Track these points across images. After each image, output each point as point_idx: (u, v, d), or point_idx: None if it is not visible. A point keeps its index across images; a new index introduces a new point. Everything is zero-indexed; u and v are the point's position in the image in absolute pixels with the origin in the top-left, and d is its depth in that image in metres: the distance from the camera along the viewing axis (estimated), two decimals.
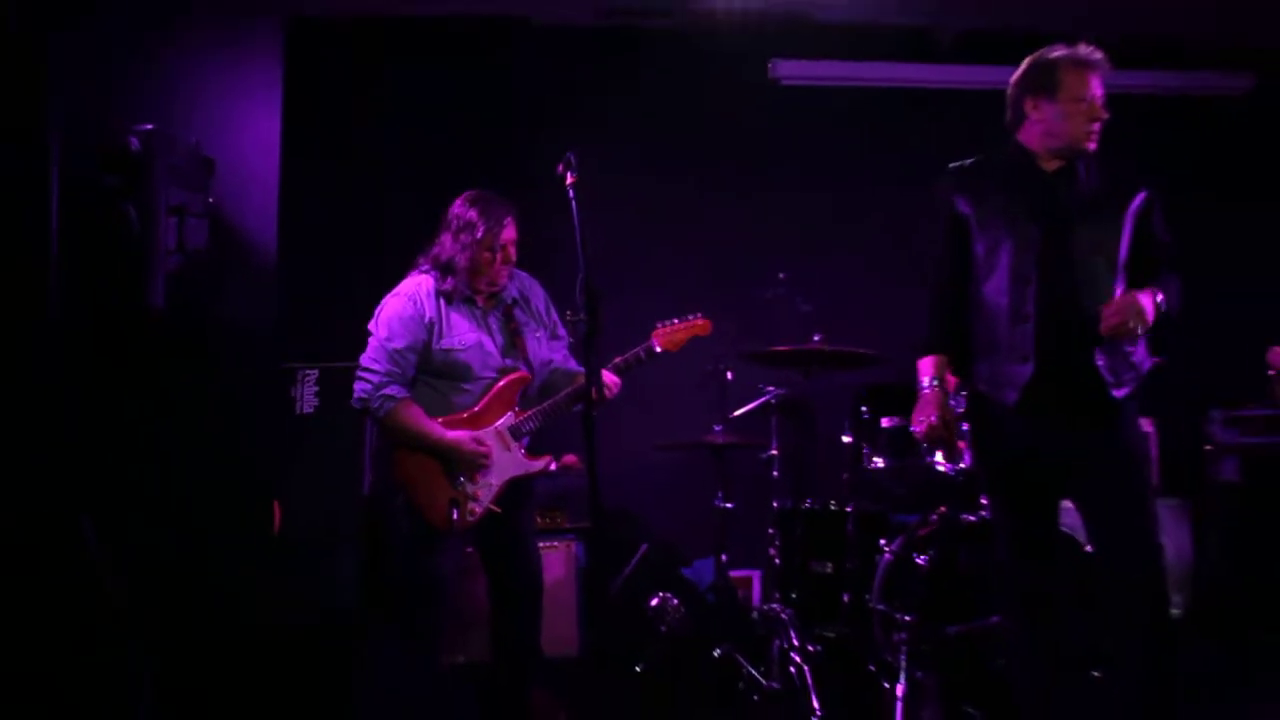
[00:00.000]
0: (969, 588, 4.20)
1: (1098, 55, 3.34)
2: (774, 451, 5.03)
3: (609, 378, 3.99)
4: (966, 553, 4.28)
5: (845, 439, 4.87)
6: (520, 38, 6.08)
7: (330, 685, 3.59)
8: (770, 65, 6.24)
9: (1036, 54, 3.42)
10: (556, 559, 4.92)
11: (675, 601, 4.86)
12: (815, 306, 4.99)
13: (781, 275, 5.02)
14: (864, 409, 4.78)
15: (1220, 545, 5.53)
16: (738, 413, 5.06)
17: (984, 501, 4.42)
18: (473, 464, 3.84)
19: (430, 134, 5.90)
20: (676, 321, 4.15)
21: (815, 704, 4.20)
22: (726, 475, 4.86)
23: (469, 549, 4.23)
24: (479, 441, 3.86)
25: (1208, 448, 5.59)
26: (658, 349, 4.11)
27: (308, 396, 4.76)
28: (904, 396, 4.62)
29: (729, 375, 4.98)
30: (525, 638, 4.09)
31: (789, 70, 6.25)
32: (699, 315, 4.18)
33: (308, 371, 4.76)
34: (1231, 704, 4.35)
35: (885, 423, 4.74)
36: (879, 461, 4.73)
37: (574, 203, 3.34)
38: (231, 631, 3.58)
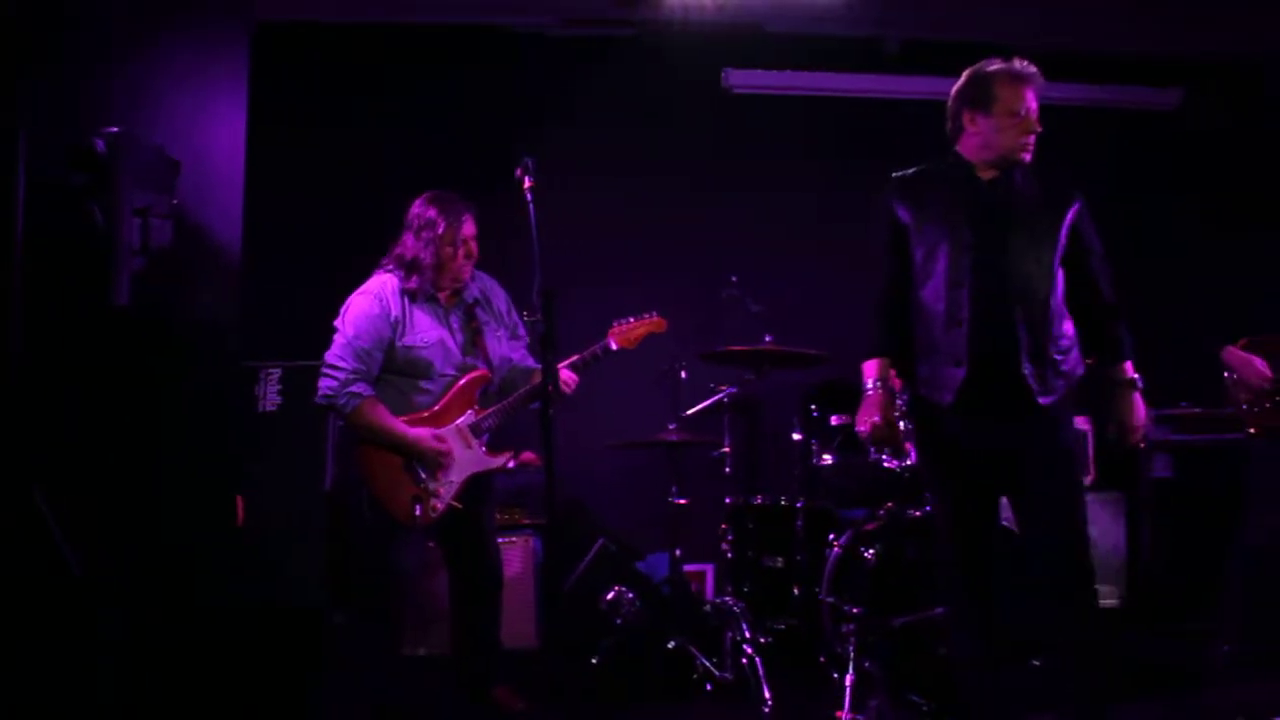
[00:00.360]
0: (915, 580, 4.27)
1: (1032, 70, 3.42)
2: (726, 449, 5.11)
3: (567, 375, 4.08)
4: (912, 547, 4.35)
5: (795, 436, 4.92)
6: (489, 45, 6.13)
7: (293, 676, 3.62)
8: (723, 74, 6.33)
9: (974, 68, 3.49)
10: (515, 554, 4.98)
11: (630, 595, 4.89)
12: (766, 307, 5.06)
13: (734, 278, 5.08)
14: (813, 407, 4.85)
15: (1154, 538, 5.67)
16: (691, 411, 5.12)
17: (928, 497, 4.54)
18: (435, 462, 3.91)
19: (394, 137, 5.94)
20: (632, 320, 4.25)
21: (766, 694, 4.28)
22: (680, 472, 4.91)
23: (430, 544, 4.30)
24: (440, 440, 3.93)
25: (1142, 445, 5.71)
26: (614, 347, 4.20)
27: (271, 395, 4.80)
28: (852, 395, 4.68)
29: (683, 374, 5.03)
30: (486, 631, 4.17)
31: (740, 79, 6.34)
32: (654, 313, 4.28)
33: (271, 370, 4.80)
34: (1164, 691, 4.43)
35: (834, 420, 4.82)
36: (828, 458, 4.80)
37: (531, 206, 3.42)
38: (194, 622, 3.60)
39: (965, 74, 3.52)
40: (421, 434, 3.91)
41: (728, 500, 5.07)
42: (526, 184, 3.46)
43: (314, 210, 5.74)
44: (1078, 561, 3.32)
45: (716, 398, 5.16)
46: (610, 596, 4.93)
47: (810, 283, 6.18)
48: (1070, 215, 3.45)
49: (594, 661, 4.72)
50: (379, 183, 5.49)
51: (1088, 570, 3.33)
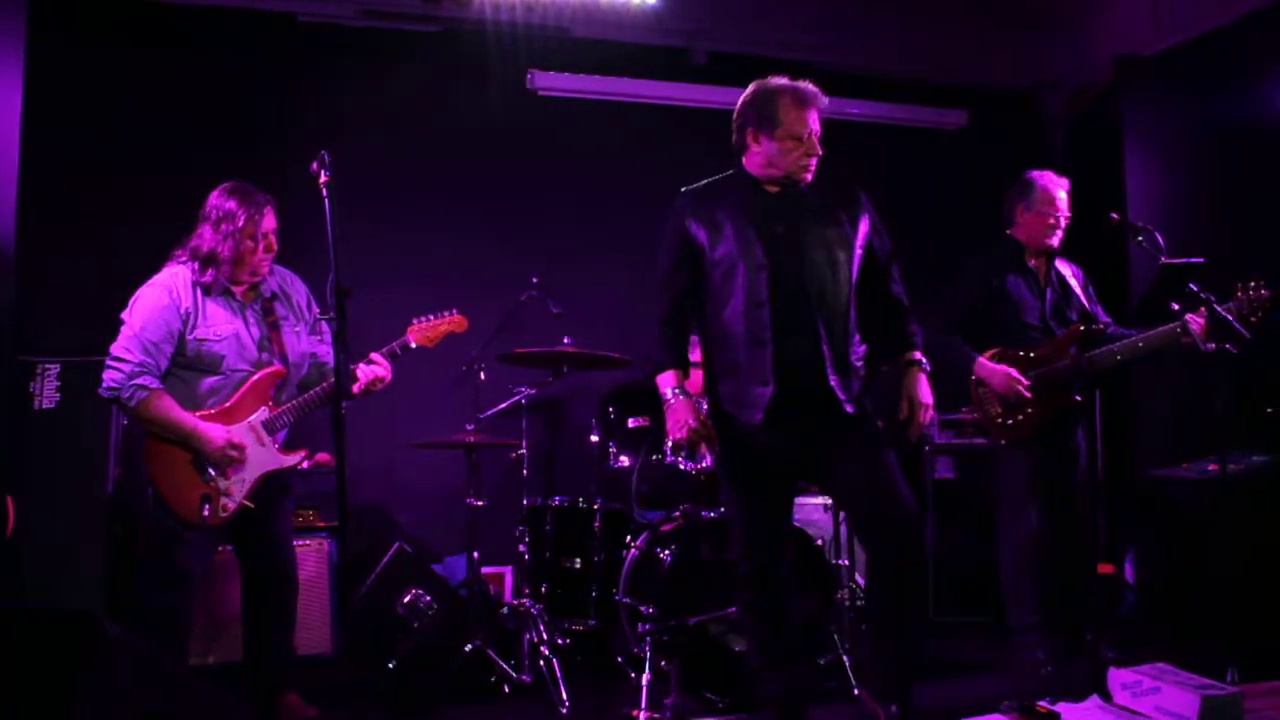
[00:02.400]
0: (710, 580, 4.35)
1: (814, 91, 3.48)
2: (524, 450, 5.12)
3: (382, 364, 4.04)
4: (707, 547, 4.44)
5: (593, 438, 4.97)
6: (282, 33, 5.94)
7: (58, 685, 3.45)
8: (528, 75, 6.33)
9: (758, 85, 3.54)
10: (309, 557, 4.87)
11: (427, 598, 4.85)
12: (566, 310, 5.06)
13: (534, 279, 5.08)
14: (611, 409, 4.89)
15: (937, 536, 5.94)
16: (489, 413, 5.11)
17: (725, 500, 4.63)
18: (223, 461, 3.80)
19: (182, 124, 5.70)
20: (432, 317, 4.21)
21: (564, 695, 4.30)
22: (478, 473, 4.86)
23: (222, 546, 4.16)
24: (231, 439, 3.81)
25: (926, 448, 6.01)
26: (413, 344, 4.16)
27: (48, 391, 4.57)
28: (649, 398, 4.79)
29: (482, 375, 5.03)
30: (278, 635, 4.07)
31: (546, 81, 6.34)
32: (454, 311, 4.26)
33: (49, 365, 4.57)
34: (941, 681, 4.62)
35: (631, 423, 4.88)
36: (625, 460, 4.85)
37: (327, 201, 3.34)
38: None
39: (750, 90, 3.57)
40: (213, 430, 3.79)
41: (525, 502, 5.08)
42: (322, 179, 3.36)
43: (97, 197, 5.46)
44: (911, 522, 3.44)
45: (514, 399, 5.17)
46: (407, 599, 4.87)
47: (610, 286, 6.25)
48: (863, 224, 3.56)
49: (390, 666, 4.67)
50: (166, 171, 5.30)
51: (919, 530, 3.51)
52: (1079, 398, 4.50)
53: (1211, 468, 5.10)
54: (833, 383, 3.40)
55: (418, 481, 5.82)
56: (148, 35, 5.74)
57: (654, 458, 4.80)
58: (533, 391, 5.16)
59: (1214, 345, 4.07)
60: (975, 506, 5.74)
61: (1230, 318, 4.03)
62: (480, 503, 4.85)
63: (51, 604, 4.31)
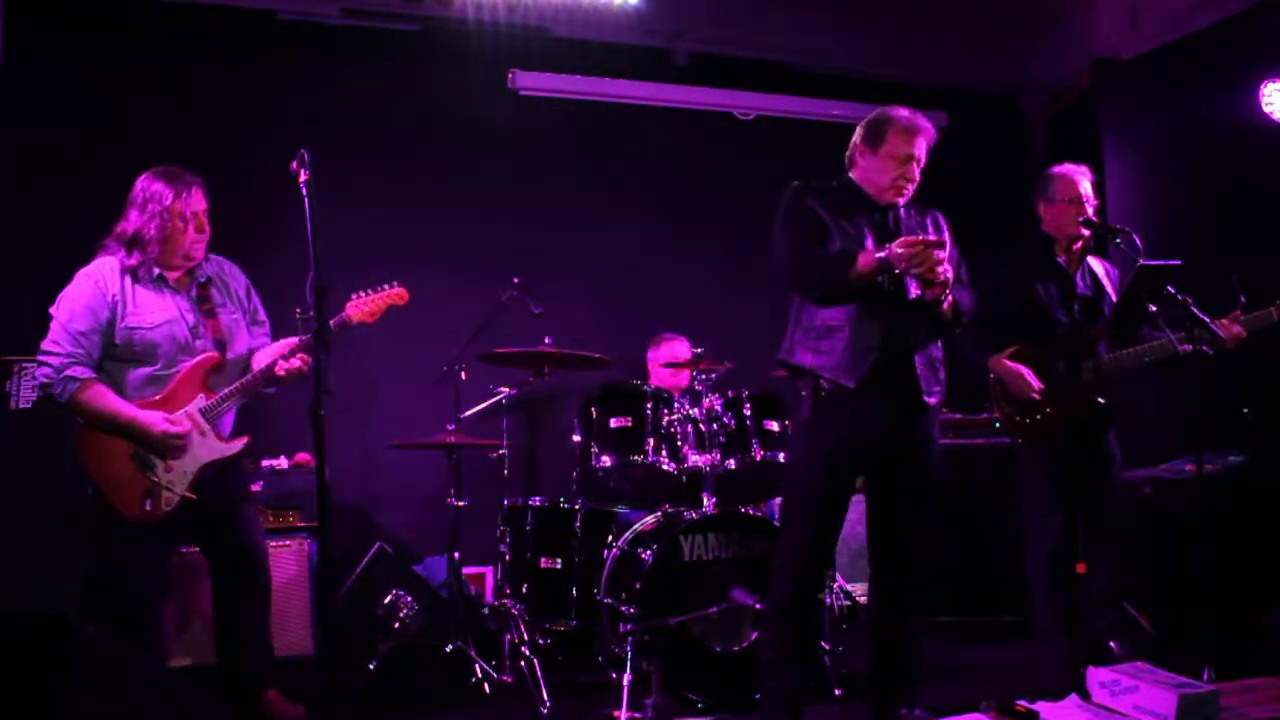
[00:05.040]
0: (690, 580, 4.36)
1: (924, 124, 3.73)
2: (505, 450, 5.12)
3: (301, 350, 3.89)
4: (688, 547, 4.42)
5: (574, 438, 4.96)
6: (262, 30, 5.90)
7: (36, 688, 3.42)
8: (510, 75, 6.32)
9: (882, 109, 3.78)
10: (289, 558, 4.84)
11: (408, 599, 4.86)
12: (546, 310, 5.05)
13: (515, 279, 5.08)
14: (592, 409, 4.88)
15: None
16: (469, 413, 5.11)
17: (705, 498, 4.64)
18: (167, 447, 3.72)
19: (161, 122, 5.65)
20: (372, 291, 4.07)
21: (545, 695, 4.29)
22: (459, 473, 4.88)
23: (185, 549, 4.12)
24: (174, 422, 3.73)
25: None
26: (353, 320, 4.00)
27: (24, 391, 4.54)
28: (630, 397, 4.80)
29: (463, 375, 5.03)
30: (254, 629, 4.01)
31: (528, 81, 6.34)
32: (395, 284, 4.11)
33: (25, 365, 4.53)
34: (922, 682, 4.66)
35: (613, 423, 4.86)
36: (606, 460, 4.82)
37: (306, 200, 3.31)
38: None
39: (874, 113, 3.81)
40: (152, 418, 3.72)
41: (506, 502, 5.05)
42: (302, 177, 3.34)
43: (74, 193, 5.40)
44: (924, 549, 3.75)
45: (495, 399, 5.17)
46: (388, 600, 4.88)
47: (592, 286, 6.27)
48: (948, 240, 3.79)
49: (371, 667, 4.66)
50: (141, 168, 5.24)
51: (928, 560, 3.76)
52: (1102, 400, 4.43)
53: (1188, 468, 5.12)
54: (918, 368, 3.63)
55: (399, 482, 5.81)
56: (123, 30, 5.70)
57: (634, 458, 4.77)
58: (514, 391, 5.15)
59: (1190, 347, 4.08)
60: (949, 507, 5.75)
61: (1208, 320, 4.05)
62: (461, 503, 4.86)
63: (28, 607, 4.27)
